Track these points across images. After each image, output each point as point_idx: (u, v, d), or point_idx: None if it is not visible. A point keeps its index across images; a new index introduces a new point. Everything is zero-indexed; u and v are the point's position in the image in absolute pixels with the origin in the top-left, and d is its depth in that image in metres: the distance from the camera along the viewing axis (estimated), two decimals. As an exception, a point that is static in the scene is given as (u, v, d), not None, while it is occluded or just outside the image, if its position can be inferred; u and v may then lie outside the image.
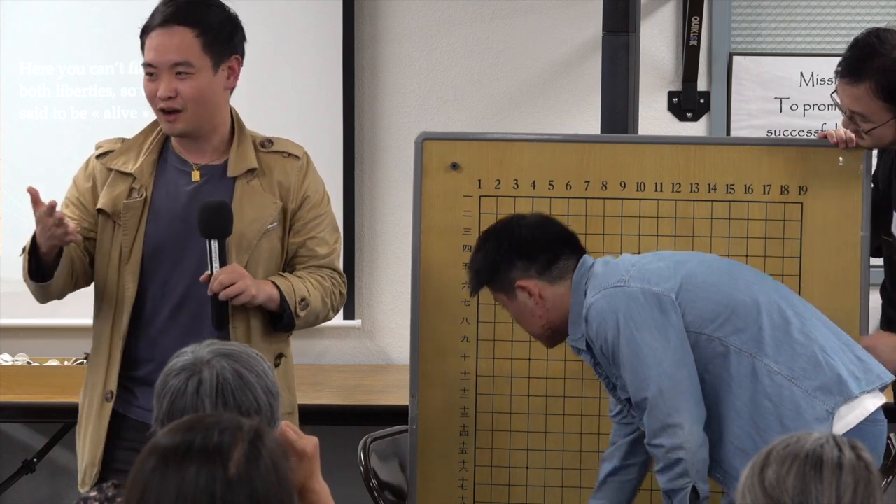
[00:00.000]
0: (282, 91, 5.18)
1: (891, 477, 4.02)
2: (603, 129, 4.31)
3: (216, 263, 3.32)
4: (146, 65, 3.41)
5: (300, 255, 3.52)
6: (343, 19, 5.18)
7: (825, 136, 3.66)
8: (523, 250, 3.34)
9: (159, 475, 1.99)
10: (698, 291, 3.23)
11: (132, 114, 5.19)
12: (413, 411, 3.66)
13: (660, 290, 3.21)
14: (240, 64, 3.54)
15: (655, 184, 3.64)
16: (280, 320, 3.45)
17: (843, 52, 3.63)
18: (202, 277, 3.33)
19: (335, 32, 5.18)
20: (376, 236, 5.33)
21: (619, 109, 4.24)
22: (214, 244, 3.33)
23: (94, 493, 2.56)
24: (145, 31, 3.42)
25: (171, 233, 3.43)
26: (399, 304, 5.25)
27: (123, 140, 3.51)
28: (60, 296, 3.50)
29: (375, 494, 3.94)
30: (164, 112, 3.40)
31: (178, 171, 3.47)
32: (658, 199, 3.64)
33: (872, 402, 3.22)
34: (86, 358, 3.54)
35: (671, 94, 5.27)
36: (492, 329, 3.64)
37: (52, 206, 3.27)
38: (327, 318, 3.58)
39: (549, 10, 5.24)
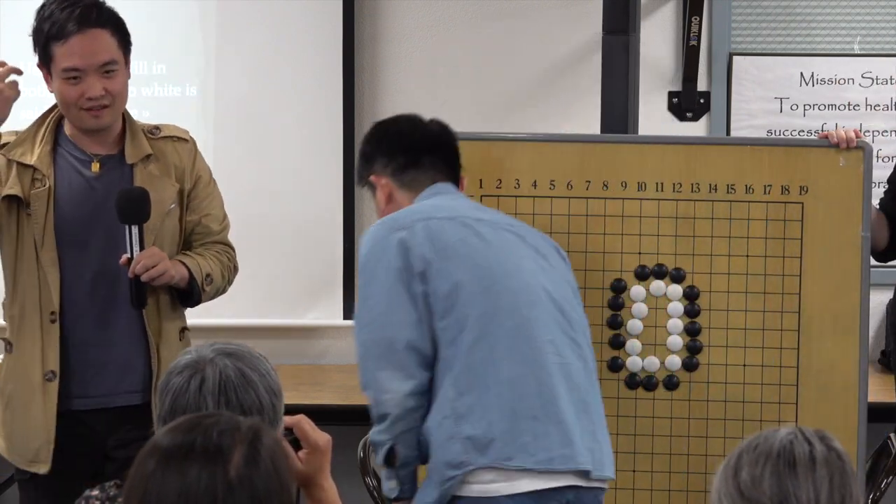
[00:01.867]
0: (282, 91, 5.18)
1: (891, 477, 4.02)
2: (603, 129, 4.31)
3: (136, 247, 3.50)
4: (70, 69, 3.54)
5: (197, 233, 3.73)
6: (343, 19, 5.18)
7: (825, 136, 3.66)
8: (387, 145, 3.39)
9: (160, 476, 1.99)
10: (459, 263, 3.13)
11: (132, 114, 5.19)
12: (413, 411, 3.65)
13: (418, 253, 3.14)
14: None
15: (656, 184, 3.64)
16: (189, 297, 3.66)
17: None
18: (122, 261, 3.51)
19: (335, 32, 5.18)
20: (376, 236, 5.32)
21: (619, 109, 4.23)
22: (135, 229, 3.51)
23: (95, 492, 2.56)
24: (55, 39, 3.56)
25: (77, 220, 3.59)
26: (399, 304, 5.24)
27: (17, 133, 3.67)
28: None
29: (375, 494, 3.94)
30: (90, 110, 3.56)
31: (77, 161, 3.62)
32: (659, 199, 3.64)
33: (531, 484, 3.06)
34: (7, 345, 3.63)
35: (671, 94, 5.27)
36: (492, 329, 3.64)
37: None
38: (224, 291, 3.80)
39: (549, 10, 5.24)
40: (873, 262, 3.81)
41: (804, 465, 2.07)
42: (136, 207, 3.52)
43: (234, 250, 3.84)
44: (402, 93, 5.29)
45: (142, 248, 3.51)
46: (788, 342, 3.62)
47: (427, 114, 5.27)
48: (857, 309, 3.61)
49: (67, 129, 3.65)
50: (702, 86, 5.26)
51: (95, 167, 3.62)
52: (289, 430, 2.63)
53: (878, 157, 4.95)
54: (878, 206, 3.94)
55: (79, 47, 3.54)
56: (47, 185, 3.57)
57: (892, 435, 4.09)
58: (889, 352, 4.80)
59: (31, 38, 3.65)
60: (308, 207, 5.17)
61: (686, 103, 5.26)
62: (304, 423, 2.57)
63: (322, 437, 2.62)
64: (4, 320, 3.67)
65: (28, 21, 5.32)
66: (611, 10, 4.24)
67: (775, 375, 3.62)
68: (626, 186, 3.64)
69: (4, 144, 3.64)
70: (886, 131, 5.24)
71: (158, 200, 3.59)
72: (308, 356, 5.30)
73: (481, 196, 3.65)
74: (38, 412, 3.56)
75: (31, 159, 3.59)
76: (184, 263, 3.63)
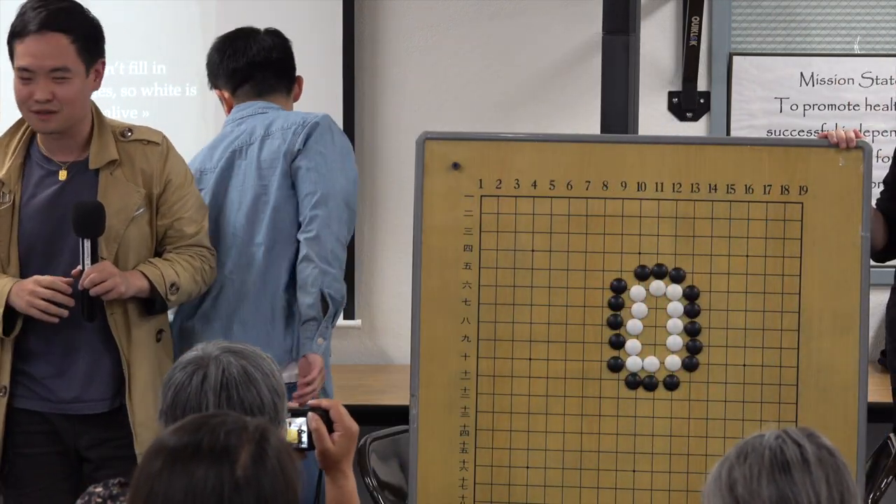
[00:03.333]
0: (282, 91, 5.18)
1: (891, 477, 4.02)
2: (603, 129, 4.31)
3: (87, 261, 3.48)
4: (23, 69, 3.52)
5: (169, 237, 3.71)
6: (343, 19, 5.18)
7: (825, 136, 3.65)
8: (226, 64, 4.11)
9: (167, 475, 1.99)
10: None
11: (132, 114, 5.20)
12: (413, 411, 3.66)
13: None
14: (104, 67, 3.68)
15: (656, 184, 3.64)
16: (153, 306, 3.64)
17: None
18: (73, 272, 3.50)
19: (335, 32, 5.18)
20: (376, 236, 5.33)
21: (619, 109, 4.24)
22: (87, 242, 3.49)
23: (99, 489, 2.57)
24: (16, 36, 3.53)
25: (43, 233, 3.57)
26: (399, 304, 5.25)
27: None
28: None
29: (375, 494, 3.94)
30: (37, 113, 3.54)
31: (45, 171, 3.59)
32: (659, 199, 3.64)
33: None
34: None
35: (671, 94, 5.27)
36: (492, 329, 3.65)
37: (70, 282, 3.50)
38: (200, 293, 3.82)
39: (549, 10, 5.24)
40: (873, 262, 3.81)
41: (799, 467, 2.06)
42: (89, 220, 3.50)
43: (211, 252, 3.81)
44: (402, 93, 5.29)
45: (94, 261, 3.49)
46: (788, 342, 3.62)
47: (427, 113, 5.32)
48: (857, 309, 3.61)
49: (40, 138, 3.63)
50: (702, 86, 5.26)
51: (63, 175, 3.59)
52: (324, 412, 2.71)
53: (877, 157, 4.95)
54: (875, 206, 3.94)
55: (33, 48, 3.51)
56: (10, 202, 3.55)
57: (892, 435, 4.09)
58: (888, 351, 4.80)
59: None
60: (308, 207, 5.18)
61: (686, 103, 5.26)
62: (340, 406, 2.68)
63: (354, 424, 2.70)
64: None
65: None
66: (611, 10, 4.24)
67: (775, 375, 3.62)
68: (626, 186, 3.64)
69: None
70: (886, 131, 5.25)
71: (122, 207, 3.58)
72: (308, 356, 5.30)
73: (481, 196, 3.65)
74: None
75: (0, 173, 3.58)
76: (144, 274, 3.60)
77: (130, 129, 3.68)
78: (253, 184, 3.99)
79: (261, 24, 5.17)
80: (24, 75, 3.52)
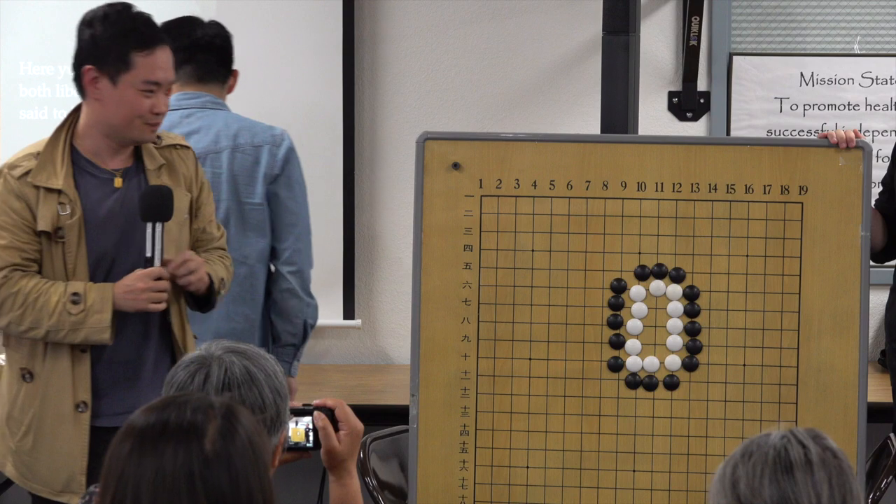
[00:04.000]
0: (282, 91, 5.18)
1: (891, 477, 4.02)
2: (603, 129, 4.31)
3: (159, 246, 3.46)
4: (151, 82, 3.48)
5: (201, 239, 3.71)
6: (343, 19, 5.18)
7: (825, 136, 3.66)
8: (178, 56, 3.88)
9: (136, 457, 1.97)
10: None
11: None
12: (413, 411, 3.66)
13: None
14: None
15: (656, 184, 3.64)
16: (206, 302, 3.65)
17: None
18: (171, 266, 3.48)
19: (335, 32, 5.18)
20: (376, 236, 5.33)
21: (619, 109, 4.24)
22: (159, 227, 3.47)
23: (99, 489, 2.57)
24: (139, 48, 3.48)
25: (110, 242, 3.53)
26: (399, 304, 5.25)
27: (35, 155, 3.53)
28: None
29: (375, 494, 3.94)
30: (150, 125, 3.52)
31: (99, 179, 3.54)
32: (659, 199, 3.64)
33: None
34: (25, 374, 3.53)
35: (671, 94, 5.27)
36: (492, 328, 3.65)
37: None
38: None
39: (549, 10, 5.24)
40: (872, 262, 3.82)
41: (801, 468, 2.06)
42: (161, 203, 3.48)
43: (228, 255, 3.84)
44: (402, 93, 5.29)
45: (162, 247, 3.47)
46: (788, 342, 3.62)
47: (427, 113, 5.32)
48: (857, 309, 3.61)
49: (85, 145, 3.56)
50: (702, 86, 5.26)
51: (119, 182, 3.55)
52: (329, 410, 2.72)
53: (877, 157, 4.95)
54: (873, 206, 3.94)
55: (162, 61, 3.50)
56: (78, 214, 3.49)
57: (892, 435, 4.09)
58: (888, 352, 4.81)
59: (87, 40, 3.55)
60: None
61: (686, 103, 5.26)
62: (345, 405, 2.69)
63: (360, 423, 2.71)
64: (4, 345, 3.60)
65: (28, 21, 5.33)
66: (611, 10, 4.24)
67: (775, 375, 3.62)
68: (625, 186, 3.64)
69: (26, 172, 3.51)
70: (886, 131, 5.25)
71: (177, 210, 3.55)
72: (308, 356, 5.30)
73: (481, 196, 3.66)
74: (67, 442, 3.50)
75: (58, 183, 3.50)
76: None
77: (158, 135, 3.64)
78: (227, 196, 4.03)
79: (261, 24, 5.18)
80: (150, 88, 3.49)
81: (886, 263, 4.14)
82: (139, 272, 3.47)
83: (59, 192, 3.49)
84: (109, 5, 3.56)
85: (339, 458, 2.76)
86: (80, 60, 3.55)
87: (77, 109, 3.60)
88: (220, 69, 4.23)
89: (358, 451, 2.77)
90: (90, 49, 3.52)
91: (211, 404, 2.02)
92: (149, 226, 3.46)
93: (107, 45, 3.49)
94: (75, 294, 3.45)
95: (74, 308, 3.44)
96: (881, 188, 4.08)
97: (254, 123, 4.21)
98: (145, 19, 3.53)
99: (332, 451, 2.76)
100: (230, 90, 4.30)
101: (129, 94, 3.48)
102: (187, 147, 3.70)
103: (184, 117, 4.14)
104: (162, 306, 3.49)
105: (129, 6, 3.55)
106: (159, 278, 3.47)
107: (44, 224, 3.47)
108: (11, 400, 3.54)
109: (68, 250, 3.48)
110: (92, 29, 3.53)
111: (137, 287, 3.45)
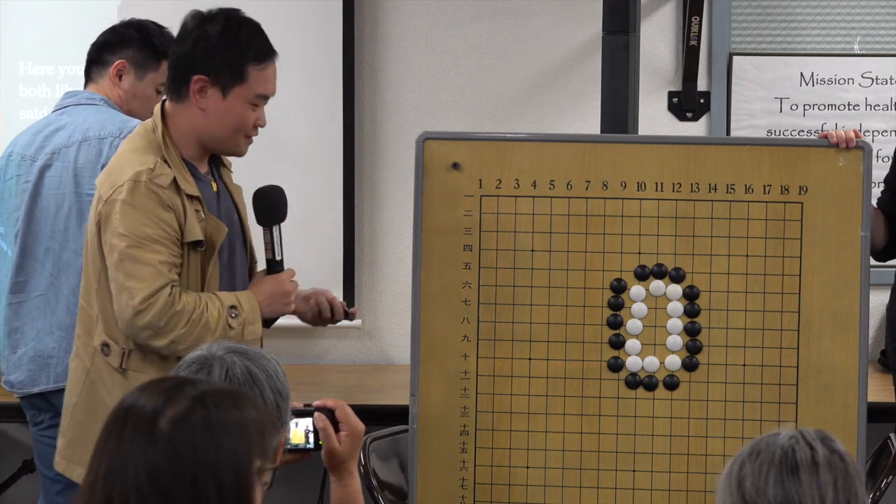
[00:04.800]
0: (282, 91, 5.17)
1: (891, 477, 4.02)
2: (603, 129, 4.31)
3: (281, 248, 3.45)
4: (262, 96, 3.43)
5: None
6: (343, 19, 5.18)
7: (825, 136, 3.66)
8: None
9: (104, 436, 1.97)
10: None
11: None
12: (413, 411, 3.66)
13: None
14: None
15: (656, 184, 3.64)
16: (274, 319, 3.58)
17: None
18: (294, 283, 3.49)
19: (335, 32, 5.18)
20: (376, 236, 5.33)
21: (619, 109, 4.24)
22: (278, 228, 3.46)
23: None
24: (258, 61, 3.40)
25: (228, 243, 3.47)
26: (399, 304, 5.25)
27: (164, 162, 3.39)
28: None
29: (375, 494, 3.94)
30: (248, 137, 3.46)
31: (204, 184, 3.47)
32: (659, 199, 3.64)
33: None
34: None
35: (671, 94, 5.27)
36: (492, 328, 3.65)
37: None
38: None
39: (549, 10, 5.24)
40: (873, 261, 3.82)
41: (807, 469, 2.06)
42: (280, 202, 3.46)
43: None
44: (402, 93, 5.29)
45: (283, 248, 3.46)
46: (788, 342, 3.62)
47: (427, 113, 5.32)
48: (857, 309, 3.61)
49: (185, 151, 3.44)
50: (702, 86, 5.26)
51: (215, 186, 3.51)
52: (330, 411, 2.72)
53: (877, 156, 4.95)
54: (875, 205, 3.94)
55: (273, 76, 3.45)
56: (208, 218, 3.40)
57: (892, 435, 4.09)
58: (888, 352, 4.81)
59: (199, 47, 3.40)
60: (308, 208, 5.17)
61: (686, 103, 5.26)
62: (346, 405, 2.69)
63: (360, 423, 2.70)
64: (124, 365, 3.42)
65: (28, 21, 5.33)
66: (611, 10, 4.24)
67: (775, 375, 3.62)
68: (625, 186, 3.64)
69: (174, 180, 3.36)
70: (886, 131, 5.25)
71: (247, 215, 3.57)
72: (308, 356, 5.30)
73: (481, 196, 3.66)
74: None
75: (195, 190, 3.40)
76: None
77: None
78: (69, 189, 4.00)
79: (261, 24, 5.17)
80: (260, 102, 3.43)
81: (887, 263, 4.14)
82: (283, 276, 3.45)
83: (198, 199, 3.39)
84: (222, 11, 3.43)
85: (340, 459, 2.76)
86: (191, 68, 3.39)
87: (161, 110, 3.46)
88: (95, 66, 4.15)
89: (359, 452, 2.77)
90: (204, 58, 3.38)
91: (181, 386, 1.99)
92: (275, 228, 3.43)
93: (224, 57, 3.38)
94: (233, 307, 3.35)
95: (235, 322, 3.35)
96: (884, 187, 4.08)
97: (111, 116, 4.02)
98: (260, 31, 3.44)
99: (332, 451, 2.76)
100: (116, 79, 4.11)
101: (238, 108, 3.40)
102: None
103: (58, 115, 4.11)
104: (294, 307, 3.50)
105: (241, 15, 3.44)
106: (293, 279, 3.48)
107: (195, 234, 3.35)
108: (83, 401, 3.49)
109: (206, 259, 3.39)
110: (205, 36, 3.39)
111: (288, 290, 3.44)
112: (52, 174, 4.00)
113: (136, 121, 3.92)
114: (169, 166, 3.35)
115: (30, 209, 4.02)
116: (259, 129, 3.47)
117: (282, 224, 3.48)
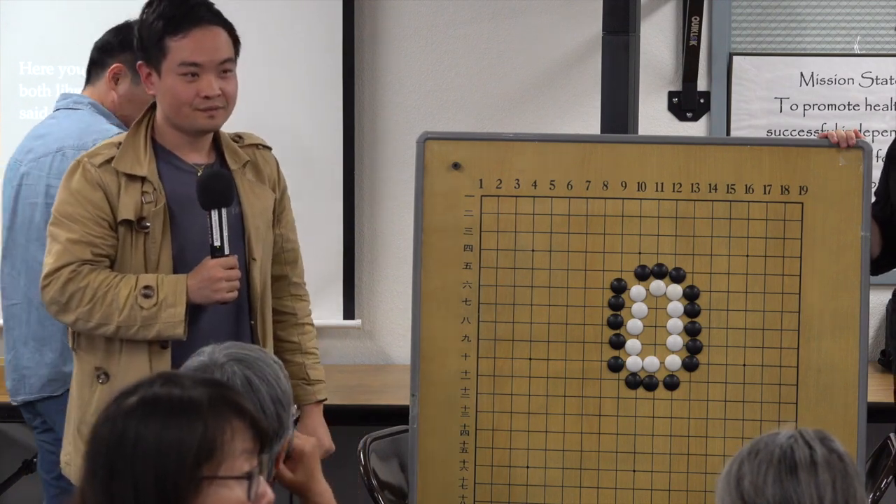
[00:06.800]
0: (282, 91, 5.18)
1: (891, 477, 4.02)
2: (603, 129, 4.31)
3: (224, 233, 3.32)
4: (189, 64, 3.35)
5: (284, 248, 3.63)
6: (343, 19, 5.18)
7: (825, 136, 3.66)
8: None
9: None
10: None
11: (132, 114, 5.19)
12: (413, 411, 3.66)
13: None
14: None
15: (656, 184, 3.64)
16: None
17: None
18: (232, 256, 3.35)
19: (335, 32, 5.18)
20: (376, 236, 5.33)
21: (619, 109, 4.24)
22: (224, 213, 3.33)
23: None
24: (171, 33, 3.36)
25: (194, 231, 3.40)
26: (399, 304, 5.25)
27: (117, 145, 3.42)
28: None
29: (375, 494, 3.94)
30: (205, 110, 3.38)
31: (181, 171, 3.43)
32: (659, 199, 3.64)
33: None
34: (100, 375, 3.41)
35: (671, 94, 5.27)
36: (492, 328, 3.65)
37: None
38: None
39: (549, 10, 5.24)
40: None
41: (806, 469, 2.06)
42: (223, 187, 3.35)
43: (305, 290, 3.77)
44: (403, 93, 5.29)
45: (228, 235, 3.34)
46: (788, 342, 3.62)
47: (427, 113, 5.32)
48: (857, 309, 3.61)
49: (165, 139, 3.44)
50: (702, 86, 5.26)
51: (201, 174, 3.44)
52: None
53: (877, 157, 4.95)
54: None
55: (199, 42, 3.36)
56: (162, 203, 3.36)
57: (892, 435, 4.09)
58: (889, 352, 4.81)
59: (133, 37, 3.46)
60: (308, 207, 5.17)
61: (686, 103, 5.26)
62: (297, 437, 2.57)
63: (307, 442, 2.61)
64: (75, 347, 3.46)
65: (28, 21, 5.33)
66: (611, 10, 4.24)
67: (775, 375, 3.62)
68: (625, 186, 3.64)
69: (108, 160, 3.38)
70: (886, 131, 5.25)
71: (264, 209, 3.48)
72: (308, 356, 5.30)
73: (481, 196, 3.66)
74: None
75: (142, 170, 3.37)
76: None
77: (239, 134, 3.56)
78: (42, 200, 3.97)
79: (261, 25, 5.18)
80: (191, 71, 3.35)
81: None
82: (212, 262, 3.32)
83: (143, 179, 3.36)
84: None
85: (297, 486, 2.64)
86: (137, 59, 3.46)
87: (154, 105, 3.48)
88: (94, 68, 4.13)
89: (319, 468, 2.64)
90: (138, 45, 3.43)
91: (151, 382, 2.01)
92: (214, 213, 3.32)
93: (147, 37, 3.39)
94: (147, 287, 3.32)
95: (146, 302, 3.31)
96: (874, 198, 4.08)
97: (91, 125, 4.00)
98: (182, 2, 3.39)
99: (288, 485, 2.66)
100: (112, 83, 4.11)
101: (170, 82, 3.37)
102: (268, 147, 3.60)
103: (48, 120, 4.12)
104: (235, 295, 3.35)
105: None
106: (231, 267, 3.34)
107: (126, 213, 3.34)
108: (83, 405, 3.42)
109: (152, 240, 3.36)
110: (138, 24, 3.44)
111: (215, 276, 3.31)
112: (30, 182, 4.00)
113: (116, 129, 3.90)
114: (118, 147, 3.38)
115: (12, 216, 4.03)
116: (213, 98, 3.37)
117: (223, 210, 3.33)
